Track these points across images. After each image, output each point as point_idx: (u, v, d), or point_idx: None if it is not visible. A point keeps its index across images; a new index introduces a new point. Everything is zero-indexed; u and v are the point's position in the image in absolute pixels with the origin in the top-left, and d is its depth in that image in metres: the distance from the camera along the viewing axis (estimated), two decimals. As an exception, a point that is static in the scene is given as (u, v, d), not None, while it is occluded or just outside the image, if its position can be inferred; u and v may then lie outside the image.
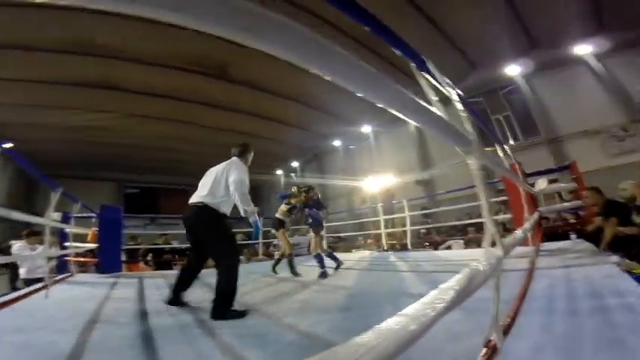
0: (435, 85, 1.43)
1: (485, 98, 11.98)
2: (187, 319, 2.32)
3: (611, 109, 9.29)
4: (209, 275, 2.72)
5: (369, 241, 9.85)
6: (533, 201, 4.71)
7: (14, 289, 4.67)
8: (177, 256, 9.10)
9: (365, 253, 6.60)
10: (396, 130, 14.37)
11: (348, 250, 9.38)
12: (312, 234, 4.83)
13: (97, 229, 5.40)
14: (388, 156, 14.82)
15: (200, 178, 2.85)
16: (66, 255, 4.94)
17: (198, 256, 2.75)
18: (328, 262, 4.59)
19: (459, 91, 1.57)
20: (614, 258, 2.70)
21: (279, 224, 5.03)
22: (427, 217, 10.94)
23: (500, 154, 3.13)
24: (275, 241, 8.82)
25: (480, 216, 8.22)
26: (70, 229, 4.96)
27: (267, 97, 11.81)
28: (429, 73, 1.44)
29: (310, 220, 4.95)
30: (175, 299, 2.67)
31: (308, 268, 5.17)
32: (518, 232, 2.01)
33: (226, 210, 2.63)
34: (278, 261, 5.02)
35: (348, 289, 3.33)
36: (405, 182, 11.91)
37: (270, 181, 22.65)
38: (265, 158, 18.44)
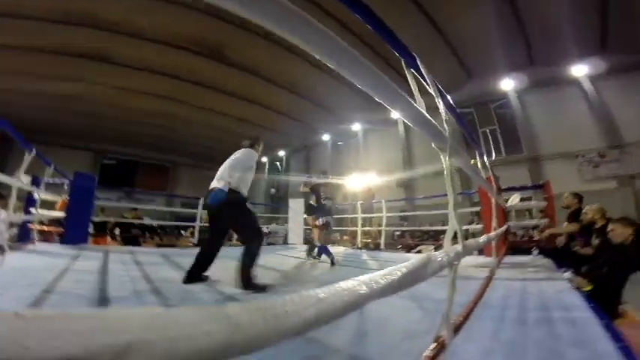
0: (422, 83, 1.46)
1: (476, 109, 12.23)
2: (151, 299, 2.29)
3: (593, 134, 9.66)
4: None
5: (344, 237, 9.97)
6: (504, 215, 4.89)
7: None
8: (147, 233, 8.93)
9: (339, 249, 6.67)
10: (385, 130, 14.53)
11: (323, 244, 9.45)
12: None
13: (68, 197, 5.20)
14: (374, 155, 14.97)
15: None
16: (29, 221, 4.75)
17: (215, 236, 2.90)
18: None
19: (441, 89, 1.60)
20: (567, 275, 2.85)
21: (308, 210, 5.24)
22: (403, 220, 11.18)
23: (480, 165, 3.22)
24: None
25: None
26: (38, 194, 4.76)
27: (260, 83, 11.68)
28: (417, 70, 1.46)
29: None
30: (192, 278, 2.71)
31: (282, 257, 5.22)
32: (482, 238, 2.09)
33: (245, 191, 2.82)
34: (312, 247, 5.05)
35: (319, 281, 3.37)
36: (386, 183, 12.07)
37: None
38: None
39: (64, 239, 4.78)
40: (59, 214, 5.33)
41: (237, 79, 11.39)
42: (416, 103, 1.06)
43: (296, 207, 8.17)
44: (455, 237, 1.14)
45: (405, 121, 0.98)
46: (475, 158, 3.72)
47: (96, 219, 6.14)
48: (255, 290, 2.44)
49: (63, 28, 8.37)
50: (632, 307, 2.92)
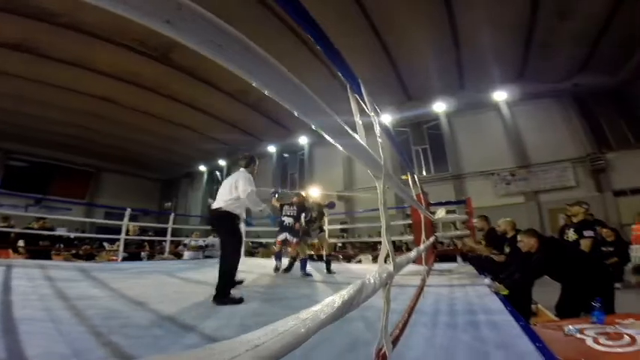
0: (363, 109, 1.51)
1: (411, 129, 13.26)
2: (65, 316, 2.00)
3: (506, 155, 11.16)
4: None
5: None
6: (432, 227, 5.34)
7: None
8: (61, 245, 7.80)
9: (284, 260, 6.58)
10: (330, 146, 14.93)
11: (267, 255, 9.22)
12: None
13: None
14: (318, 169, 15.27)
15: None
16: None
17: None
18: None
19: (382, 120, 1.70)
20: (487, 281, 3.21)
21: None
22: (343, 232, 11.50)
23: (410, 182, 3.49)
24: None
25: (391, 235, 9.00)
26: None
27: (204, 88, 11.21)
28: (360, 95, 1.50)
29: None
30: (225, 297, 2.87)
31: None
32: (412, 253, 2.26)
33: (239, 212, 3.17)
34: (328, 261, 5.05)
35: (266, 292, 3.29)
36: (328, 196, 12.33)
37: (191, 175, 21.26)
38: (189, 151, 17.31)
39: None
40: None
41: (180, 83, 10.77)
42: (356, 130, 1.12)
43: None
44: (387, 257, 1.22)
45: (344, 150, 1.01)
46: (406, 174, 4.04)
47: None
48: (231, 303, 2.65)
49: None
50: (542, 307, 3.39)
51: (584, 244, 3.77)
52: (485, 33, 8.66)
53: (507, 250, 4.05)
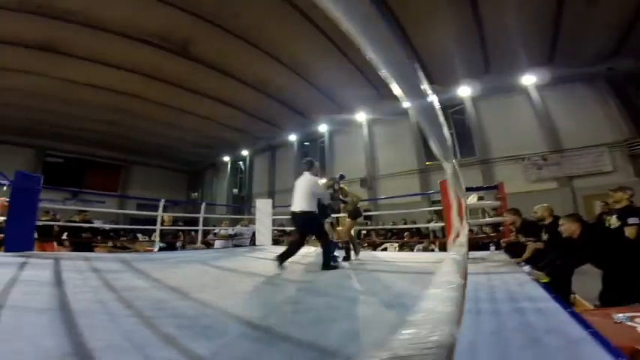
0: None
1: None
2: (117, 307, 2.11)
3: (537, 139, 10.66)
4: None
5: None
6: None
7: None
8: (99, 237, 8.21)
9: (310, 249, 6.66)
10: (350, 132, 14.85)
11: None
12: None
13: (8, 199, 4.64)
14: (339, 156, 15.20)
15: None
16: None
17: (302, 237, 4.16)
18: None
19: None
20: (526, 268, 3.11)
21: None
22: (367, 219, 11.47)
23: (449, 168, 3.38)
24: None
25: (414, 222, 8.81)
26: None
27: (224, 80, 11.31)
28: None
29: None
30: (282, 262, 3.87)
31: (249, 259, 5.11)
32: (462, 237, 2.20)
33: (315, 209, 4.08)
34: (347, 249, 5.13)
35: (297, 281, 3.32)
36: (351, 184, 12.29)
37: (216, 165, 21.76)
38: (214, 142, 17.67)
39: (6, 246, 4.25)
40: (-1, 218, 4.75)
41: (201, 76, 10.93)
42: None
43: (263, 207, 7.90)
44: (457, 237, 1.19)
45: (421, 123, 0.97)
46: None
47: (39, 223, 5.54)
48: (333, 268, 3.81)
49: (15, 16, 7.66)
50: (579, 297, 3.27)
51: (629, 232, 3.54)
52: (510, 15, 8.28)
53: (545, 237, 3.89)
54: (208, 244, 8.43)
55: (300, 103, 13.27)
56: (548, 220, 4.06)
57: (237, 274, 3.76)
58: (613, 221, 3.86)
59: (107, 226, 10.13)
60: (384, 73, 0.75)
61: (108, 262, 4.29)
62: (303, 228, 4.13)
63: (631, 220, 3.61)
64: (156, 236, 6.38)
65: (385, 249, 8.16)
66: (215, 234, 8.82)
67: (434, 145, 1.13)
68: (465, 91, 11.96)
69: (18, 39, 8.61)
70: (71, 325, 1.63)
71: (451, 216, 3.80)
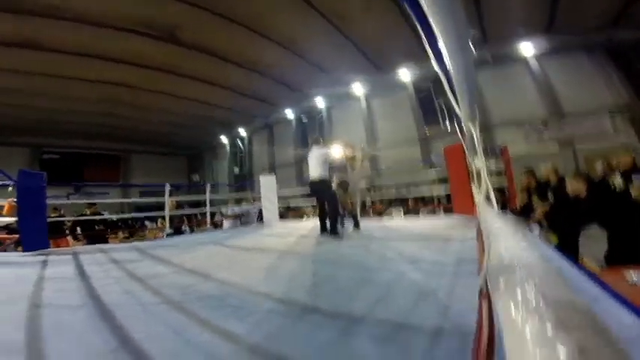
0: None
1: (433, 84, 12.70)
2: (146, 295, 2.18)
3: (537, 105, 10.67)
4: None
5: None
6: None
7: None
8: (109, 230, 8.27)
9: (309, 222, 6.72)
10: (348, 105, 14.72)
11: (300, 216, 9.48)
12: None
13: (15, 199, 4.66)
14: (338, 129, 15.09)
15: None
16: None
17: (322, 205, 4.55)
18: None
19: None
20: (536, 231, 3.18)
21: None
22: (370, 189, 11.58)
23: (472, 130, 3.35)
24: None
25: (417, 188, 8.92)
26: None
27: (214, 61, 11.02)
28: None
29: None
30: (324, 230, 4.47)
31: (260, 236, 5.21)
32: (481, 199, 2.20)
33: (327, 176, 4.60)
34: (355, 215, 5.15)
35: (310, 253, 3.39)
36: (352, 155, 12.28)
37: (214, 146, 21.65)
38: (210, 124, 17.47)
39: (24, 245, 4.33)
40: (8, 219, 4.80)
41: (190, 60, 10.64)
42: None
43: (267, 183, 7.74)
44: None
45: (452, 80, 0.96)
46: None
47: (51, 219, 5.60)
48: (338, 237, 4.16)
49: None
50: (587, 259, 3.34)
51: (636, 191, 3.55)
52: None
53: (551, 197, 3.94)
54: (215, 225, 8.56)
55: (293, 79, 12.97)
56: (554, 180, 4.11)
57: (252, 252, 3.85)
58: (618, 181, 3.89)
59: (116, 217, 10.23)
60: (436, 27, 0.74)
61: (123, 252, 4.38)
62: (320, 193, 4.58)
63: (636, 177, 3.62)
64: (166, 222, 6.46)
65: (390, 214, 8.32)
66: (222, 214, 8.88)
67: (461, 106, 1.13)
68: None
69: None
70: (108, 319, 1.69)
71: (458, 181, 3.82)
